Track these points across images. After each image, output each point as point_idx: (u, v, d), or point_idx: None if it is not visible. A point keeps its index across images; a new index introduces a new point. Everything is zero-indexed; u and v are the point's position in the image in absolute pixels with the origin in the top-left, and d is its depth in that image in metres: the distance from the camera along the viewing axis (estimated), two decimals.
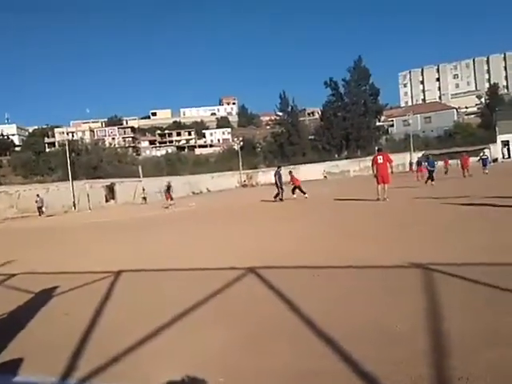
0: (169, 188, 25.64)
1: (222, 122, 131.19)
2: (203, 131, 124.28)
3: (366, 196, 15.09)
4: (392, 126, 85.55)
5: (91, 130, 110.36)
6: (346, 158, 61.40)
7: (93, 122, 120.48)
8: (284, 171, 22.29)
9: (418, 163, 30.96)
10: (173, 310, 3.89)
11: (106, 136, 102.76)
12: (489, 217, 8.09)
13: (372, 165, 14.82)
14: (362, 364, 2.47)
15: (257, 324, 3.42)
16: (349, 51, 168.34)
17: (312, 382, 2.35)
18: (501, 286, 3.64)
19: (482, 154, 33.01)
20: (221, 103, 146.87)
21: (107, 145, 63.27)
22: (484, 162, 28.72)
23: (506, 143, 53.84)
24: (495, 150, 52.89)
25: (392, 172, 15.13)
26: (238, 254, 6.76)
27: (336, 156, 64.23)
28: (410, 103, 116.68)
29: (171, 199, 25.27)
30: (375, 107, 66.87)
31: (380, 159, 14.43)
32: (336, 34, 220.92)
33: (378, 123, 71.16)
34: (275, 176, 20.34)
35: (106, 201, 41.22)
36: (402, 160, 50.44)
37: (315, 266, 5.23)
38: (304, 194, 19.61)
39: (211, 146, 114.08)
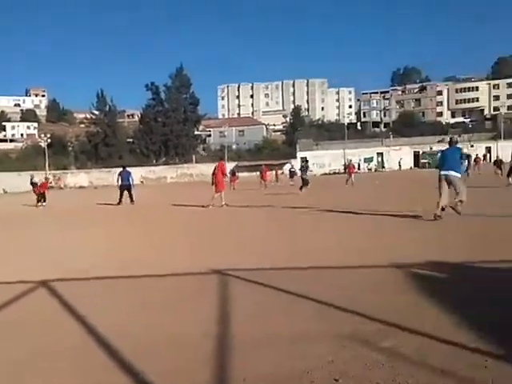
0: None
1: (28, 115, 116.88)
2: (3, 123, 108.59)
3: (198, 202, 15.26)
4: (209, 135, 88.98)
5: None
6: (164, 164, 61.28)
7: None
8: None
9: (233, 173, 33.00)
10: None
11: None
12: (284, 224, 9.07)
13: (212, 174, 15.31)
14: (146, 376, 2.44)
15: (40, 343, 3.10)
16: (173, 59, 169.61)
17: None
18: (290, 290, 3.96)
19: (290, 167, 37.39)
20: (27, 94, 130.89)
21: None
22: (291, 173, 32.65)
23: (304, 159, 61.51)
24: (295, 165, 59.87)
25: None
26: (41, 263, 6.07)
27: (154, 161, 63.49)
28: (226, 115, 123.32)
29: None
30: (194, 116, 68.50)
31: (217, 169, 15.08)
32: (162, 39, 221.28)
33: (196, 132, 73.01)
34: (118, 176, 18.81)
35: None
36: None
37: (117, 276, 5.05)
38: (44, 202, 19.80)
39: (12, 140, 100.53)
